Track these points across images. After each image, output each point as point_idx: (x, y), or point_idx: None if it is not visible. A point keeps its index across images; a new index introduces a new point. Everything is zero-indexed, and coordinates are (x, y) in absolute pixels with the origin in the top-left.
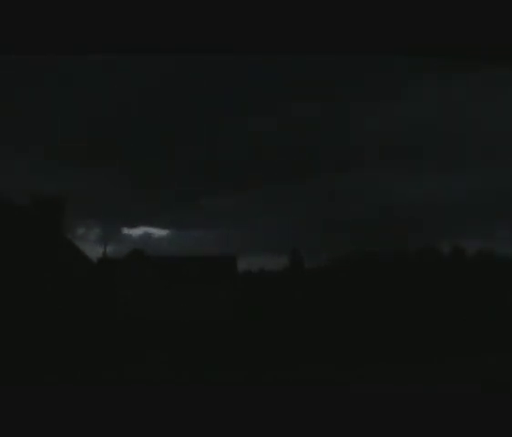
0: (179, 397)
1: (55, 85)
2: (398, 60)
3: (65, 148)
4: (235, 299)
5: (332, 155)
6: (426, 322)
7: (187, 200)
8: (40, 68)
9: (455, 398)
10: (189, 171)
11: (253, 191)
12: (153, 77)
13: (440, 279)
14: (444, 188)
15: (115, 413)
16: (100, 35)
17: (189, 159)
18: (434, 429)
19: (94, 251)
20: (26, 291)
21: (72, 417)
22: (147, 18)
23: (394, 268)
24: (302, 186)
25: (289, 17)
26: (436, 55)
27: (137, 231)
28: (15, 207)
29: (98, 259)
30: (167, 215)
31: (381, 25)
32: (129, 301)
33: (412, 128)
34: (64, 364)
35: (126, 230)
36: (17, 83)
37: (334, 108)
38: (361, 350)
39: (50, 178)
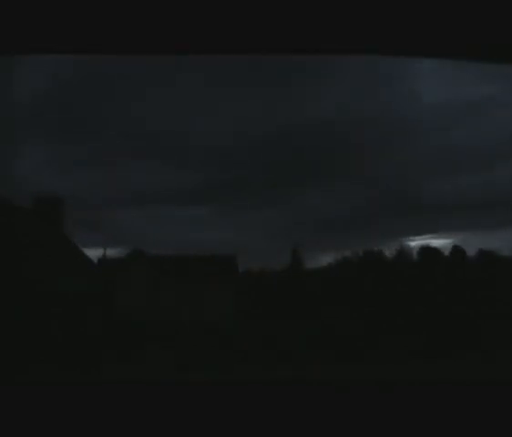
0: (179, 397)
1: None
2: None
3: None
4: (235, 299)
5: None
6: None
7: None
8: None
9: (457, 396)
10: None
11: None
12: None
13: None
14: None
15: (115, 413)
16: (100, 35)
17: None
18: (435, 429)
19: (94, 251)
20: (26, 291)
21: (72, 417)
22: (146, 18)
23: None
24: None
25: (287, 17)
26: (436, 56)
27: None
28: (15, 207)
29: (99, 259)
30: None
31: (380, 26)
32: (129, 301)
33: None
34: (62, 364)
35: None
36: None
37: None
38: (365, 350)
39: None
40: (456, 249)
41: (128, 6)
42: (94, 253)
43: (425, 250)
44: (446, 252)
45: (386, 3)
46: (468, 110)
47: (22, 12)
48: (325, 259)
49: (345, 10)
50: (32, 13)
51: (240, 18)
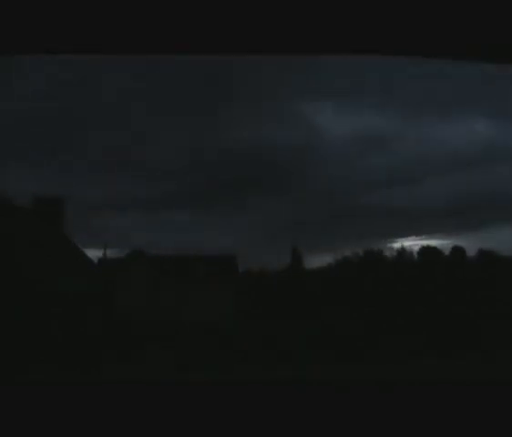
0: (179, 397)
1: None
2: None
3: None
4: (235, 299)
5: None
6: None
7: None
8: None
9: (457, 396)
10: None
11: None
12: None
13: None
14: None
15: (115, 413)
16: (100, 35)
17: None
18: (435, 429)
19: (94, 251)
20: (26, 291)
21: (72, 417)
22: (147, 17)
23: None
24: None
25: (287, 18)
26: (436, 56)
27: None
28: (15, 207)
29: (99, 259)
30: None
31: (380, 26)
32: (129, 301)
33: None
34: (62, 364)
35: None
36: None
37: None
38: (365, 350)
39: None
40: (456, 249)
41: (127, 6)
42: (94, 253)
43: (425, 250)
44: (446, 252)
45: (386, 3)
46: (369, 141)
47: (22, 12)
48: (325, 259)
49: (345, 10)
50: (32, 13)
51: (241, 19)
